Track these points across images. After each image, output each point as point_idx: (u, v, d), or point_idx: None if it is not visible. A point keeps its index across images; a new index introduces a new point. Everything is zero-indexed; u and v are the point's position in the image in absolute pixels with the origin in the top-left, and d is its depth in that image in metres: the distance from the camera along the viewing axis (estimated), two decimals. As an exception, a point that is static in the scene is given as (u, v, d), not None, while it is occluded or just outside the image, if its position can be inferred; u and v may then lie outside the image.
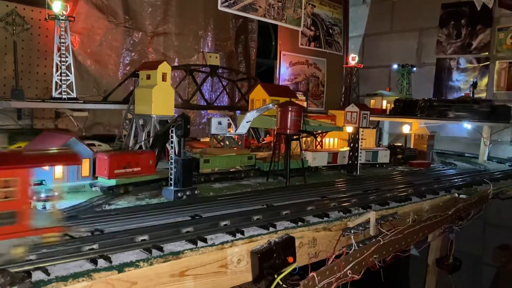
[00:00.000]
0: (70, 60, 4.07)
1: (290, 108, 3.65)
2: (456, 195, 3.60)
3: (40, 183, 2.81)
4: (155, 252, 1.89)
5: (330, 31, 7.95)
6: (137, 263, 1.79)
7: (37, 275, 1.59)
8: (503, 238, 6.58)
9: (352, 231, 2.62)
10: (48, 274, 1.60)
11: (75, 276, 1.63)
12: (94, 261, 1.73)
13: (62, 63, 4.02)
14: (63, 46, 4.02)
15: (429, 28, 7.74)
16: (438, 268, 4.63)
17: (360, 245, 2.53)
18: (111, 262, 1.75)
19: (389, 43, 8.28)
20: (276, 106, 3.87)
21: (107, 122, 5.33)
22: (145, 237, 1.99)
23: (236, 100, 6.07)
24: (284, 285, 2.14)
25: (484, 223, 6.72)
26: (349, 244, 2.56)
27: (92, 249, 1.81)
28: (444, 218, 3.19)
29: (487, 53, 7.00)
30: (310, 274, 2.12)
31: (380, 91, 7.02)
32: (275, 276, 2.14)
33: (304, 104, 5.73)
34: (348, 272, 2.34)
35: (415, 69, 7.47)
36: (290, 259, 2.26)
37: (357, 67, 7.35)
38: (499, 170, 5.06)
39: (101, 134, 5.01)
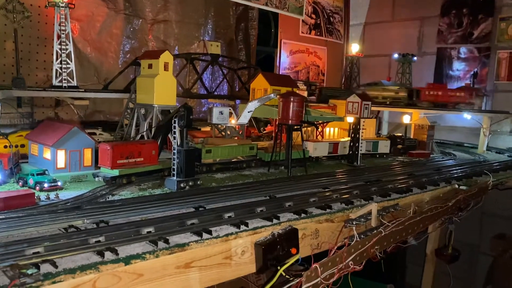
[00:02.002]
0: (71, 47, 4.03)
1: (292, 99, 3.65)
2: (457, 186, 3.63)
3: (43, 173, 2.81)
4: (161, 244, 1.90)
5: (331, 19, 7.90)
6: (144, 255, 1.80)
7: (45, 268, 1.60)
8: (500, 227, 6.66)
9: (354, 223, 2.64)
10: (56, 267, 1.62)
11: (83, 268, 1.64)
12: (101, 253, 1.74)
13: (62, 51, 3.99)
14: (63, 33, 3.97)
15: (430, 17, 7.70)
16: (436, 258, 4.69)
17: (362, 236, 2.55)
18: (117, 254, 1.77)
19: (390, 32, 8.23)
20: (277, 96, 3.86)
21: (108, 110, 5.31)
22: (151, 229, 2.00)
23: (237, 89, 6.05)
24: (287, 276, 2.16)
25: (482, 213, 6.78)
26: (351, 235, 2.58)
27: (99, 241, 1.83)
28: (444, 209, 3.21)
29: (488, 43, 6.98)
30: (313, 265, 2.14)
31: (380, 81, 7.00)
32: (278, 267, 2.17)
33: (305, 93, 5.72)
34: (350, 263, 2.37)
35: (415, 58, 7.45)
36: (293, 251, 2.29)
37: (358, 56, 7.32)
38: (498, 160, 5.09)
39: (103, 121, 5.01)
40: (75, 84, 4.06)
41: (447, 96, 5.92)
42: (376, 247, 2.56)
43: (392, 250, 2.86)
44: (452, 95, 5.91)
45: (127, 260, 1.74)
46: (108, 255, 1.76)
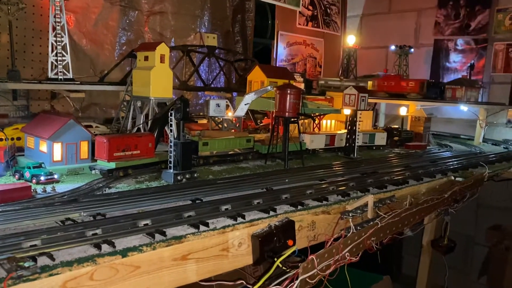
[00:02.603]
0: (66, 40, 4.01)
1: (289, 91, 3.64)
2: (453, 178, 3.65)
3: (39, 166, 2.80)
4: (158, 237, 1.91)
5: (328, 10, 7.87)
6: (141, 247, 1.81)
7: (43, 260, 1.60)
8: (495, 219, 6.70)
9: (350, 214, 2.66)
10: (53, 259, 1.62)
11: (80, 261, 1.64)
12: (98, 246, 1.75)
13: (58, 43, 3.96)
14: (58, 25, 3.95)
15: (427, 9, 7.68)
16: (432, 249, 4.72)
17: (358, 228, 2.56)
18: (114, 247, 1.77)
19: (387, 24, 8.21)
20: (274, 88, 3.86)
21: (104, 103, 5.30)
22: (148, 221, 2.01)
23: (234, 81, 6.04)
24: (284, 268, 2.17)
25: (477, 204, 6.82)
26: (347, 227, 2.60)
27: (96, 234, 1.83)
28: (440, 201, 3.23)
29: (485, 35, 6.97)
30: (310, 257, 2.15)
31: (378, 73, 7.00)
32: (275, 259, 2.18)
33: (302, 85, 5.71)
34: (346, 254, 2.38)
35: (412, 50, 7.43)
36: (290, 242, 2.30)
37: (355, 48, 7.30)
38: (494, 152, 5.11)
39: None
40: (71, 77, 4.05)
41: (400, 86, 6.08)
42: (373, 239, 2.57)
43: (388, 241, 2.88)
44: (405, 86, 6.07)
45: (124, 253, 1.75)
46: (105, 247, 1.76)
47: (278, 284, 2.10)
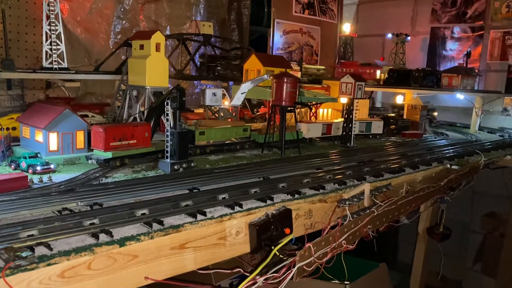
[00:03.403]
0: (60, 28, 3.96)
1: (285, 80, 3.63)
2: (449, 166, 3.66)
3: (35, 156, 2.79)
4: (155, 226, 1.91)
5: (324, -2, 7.81)
6: (138, 237, 1.81)
7: (40, 250, 1.61)
8: (490, 206, 6.76)
9: (347, 203, 2.67)
10: (51, 249, 1.62)
11: (78, 250, 1.64)
12: (95, 235, 1.75)
13: (52, 32, 3.92)
14: (52, 14, 3.90)
15: (424, -4, 7.65)
16: (428, 236, 4.76)
17: (355, 216, 2.57)
18: (112, 236, 1.77)
19: (383, 11, 8.17)
20: (271, 77, 3.84)
21: (99, 92, 5.27)
22: (145, 211, 2.01)
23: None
24: (281, 256, 2.19)
25: (473, 192, 6.87)
26: (344, 215, 2.61)
27: (93, 223, 1.83)
28: (436, 189, 3.25)
29: (481, 22, 6.96)
30: (306, 245, 2.16)
31: (374, 61, 6.98)
32: (272, 247, 2.19)
33: (299, 74, 5.69)
34: (342, 242, 2.40)
35: (409, 38, 7.41)
36: (287, 231, 2.31)
37: (352, 36, 7.27)
38: (490, 140, 5.13)
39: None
40: (66, 66, 4.01)
41: (358, 73, 6.10)
42: (369, 227, 2.59)
43: (385, 229, 2.90)
44: (363, 72, 6.16)
45: (122, 242, 1.75)
46: (103, 237, 1.76)
47: (275, 272, 2.11)
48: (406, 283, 5.71)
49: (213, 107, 4.04)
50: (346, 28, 7.29)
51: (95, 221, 1.85)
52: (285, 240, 2.26)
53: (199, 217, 2.07)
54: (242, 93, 3.99)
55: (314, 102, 4.73)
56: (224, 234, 2.11)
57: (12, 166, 2.78)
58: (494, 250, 6.18)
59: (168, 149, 2.93)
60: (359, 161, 3.54)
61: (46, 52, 3.92)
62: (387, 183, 3.04)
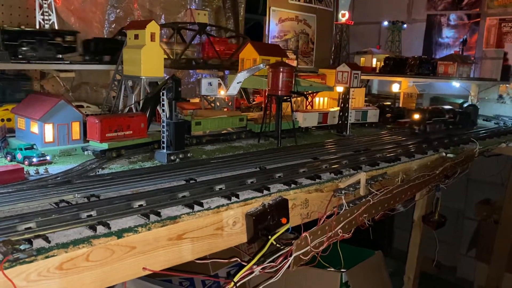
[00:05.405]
0: (54, 18, 3.93)
1: (281, 69, 3.62)
2: (444, 154, 3.68)
3: (31, 147, 2.78)
4: (152, 217, 1.92)
5: (320, -15, 7.73)
6: (136, 228, 1.82)
7: (38, 243, 1.61)
8: (484, 193, 6.83)
9: (343, 192, 2.69)
10: (49, 242, 1.63)
11: (75, 242, 1.65)
12: (93, 227, 1.76)
13: (45, 22, 3.89)
14: (45, 3, 3.87)
15: (420, -17, 7.59)
16: (423, 224, 4.81)
17: (351, 205, 2.59)
18: (110, 228, 1.78)
19: (379, -1, 8.12)
20: (267, 66, 3.83)
21: (94, 82, 5.24)
22: (142, 202, 2.01)
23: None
24: (278, 245, 2.21)
25: (467, 179, 6.93)
26: (340, 204, 2.63)
27: (91, 215, 1.84)
28: (431, 177, 3.27)
29: (478, 9, 6.93)
30: (303, 234, 2.18)
31: (370, 49, 6.96)
32: (269, 236, 2.21)
33: (295, 63, 5.67)
34: (339, 231, 2.42)
35: (405, 26, 7.38)
36: (284, 220, 2.33)
37: (348, 24, 7.23)
38: (485, 128, 5.15)
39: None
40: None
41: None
42: (365, 215, 2.61)
43: (380, 217, 2.92)
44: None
45: (120, 234, 1.76)
46: (100, 229, 1.77)
47: (272, 261, 2.14)
48: (402, 270, 5.78)
49: (209, 97, 4.03)
50: (342, 15, 7.24)
51: (93, 213, 1.85)
52: (282, 230, 2.28)
53: (196, 208, 2.08)
54: (238, 83, 3.98)
55: (310, 91, 4.72)
56: (221, 224, 2.12)
57: (8, 158, 2.77)
58: (488, 237, 6.26)
59: (165, 140, 2.93)
60: (355, 150, 3.55)
61: (40, 42, 3.88)
62: (383, 172, 3.06)
